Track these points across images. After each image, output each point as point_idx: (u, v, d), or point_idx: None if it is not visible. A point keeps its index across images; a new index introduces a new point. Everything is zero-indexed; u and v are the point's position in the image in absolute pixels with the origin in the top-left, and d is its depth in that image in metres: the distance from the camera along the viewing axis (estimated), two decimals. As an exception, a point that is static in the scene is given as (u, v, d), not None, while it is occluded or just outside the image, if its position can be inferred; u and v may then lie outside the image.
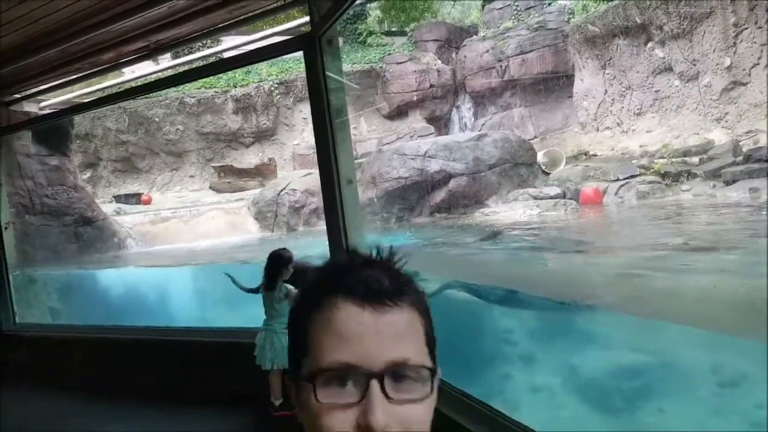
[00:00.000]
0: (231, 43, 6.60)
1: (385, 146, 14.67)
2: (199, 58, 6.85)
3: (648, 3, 13.15)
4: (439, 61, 18.93)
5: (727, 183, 9.63)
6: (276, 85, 18.53)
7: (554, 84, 16.75)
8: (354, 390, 0.61)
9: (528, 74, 16.88)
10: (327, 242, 3.68)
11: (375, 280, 0.64)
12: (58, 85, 5.21)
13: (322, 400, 0.61)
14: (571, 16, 16.26)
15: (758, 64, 11.53)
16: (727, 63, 11.93)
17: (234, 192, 16.26)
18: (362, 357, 0.61)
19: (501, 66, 17.18)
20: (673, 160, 11.28)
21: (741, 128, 11.61)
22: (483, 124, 17.47)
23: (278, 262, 3.76)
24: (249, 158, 18.67)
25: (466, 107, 18.66)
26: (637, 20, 13.57)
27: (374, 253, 0.69)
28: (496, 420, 2.46)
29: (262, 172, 17.10)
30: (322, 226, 4.05)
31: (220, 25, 4.15)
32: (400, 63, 18.64)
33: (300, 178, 13.86)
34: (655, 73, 13.63)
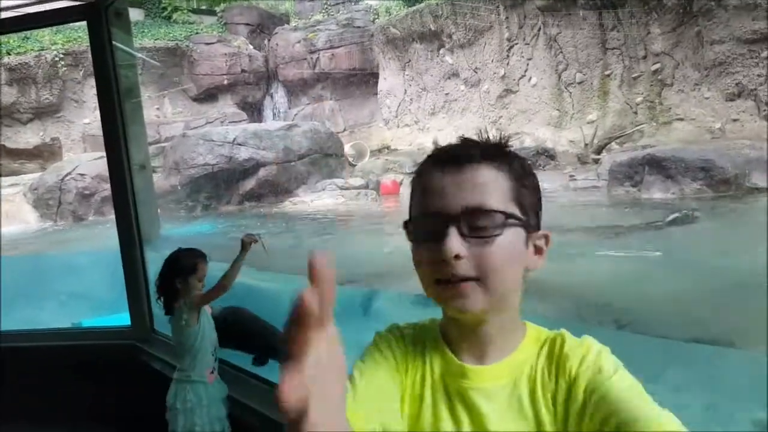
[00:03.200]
0: (3, 4, 5.77)
1: (190, 131, 14.03)
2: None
3: (440, 12, 14.62)
4: (251, 46, 18.58)
5: (498, 177, 11.32)
6: (62, 56, 16.34)
7: (362, 80, 17.67)
8: (437, 233, 0.74)
9: (338, 69, 17.52)
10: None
11: (459, 148, 0.79)
12: None
13: (415, 240, 0.79)
14: (376, 16, 17.30)
15: (524, 76, 13.65)
16: (502, 73, 13.90)
17: (7, 176, 14.02)
18: (441, 205, 0.75)
19: (312, 58, 17.54)
20: (458, 155, 12.83)
21: (511, 130, 13.63)
22: (296, 114, 17.69)
23: (171, 270, 2.45)
24: (27, 137, 16.17)
25: (279, 95, 18.67)
26: (431, 27, 15.02)
27: (482, 135, 0.83)
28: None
29: (44, 153, 14.97)
30: (116, 215, 3.63)
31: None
32: (209, 44, 17.87)
33: (90, 162, 12.53)
34: (445, 78, 15.25)
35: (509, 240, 0.75)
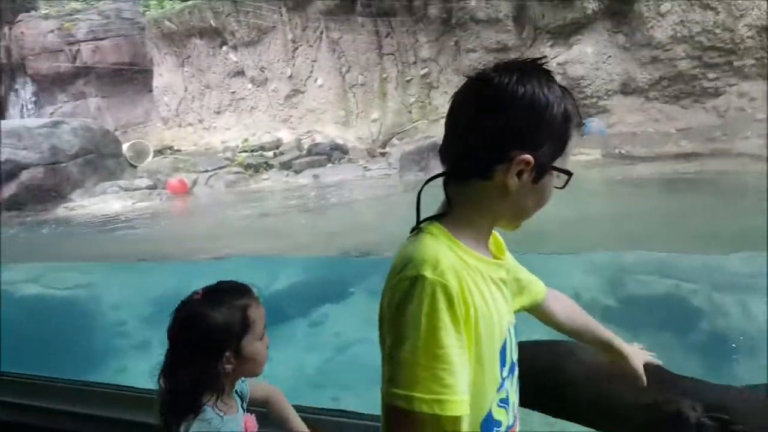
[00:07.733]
0: None
1: None
2: None
3: (221, 8, 14.27)
4: (-17, 34, 15.53)
5: (297, 172, 11.62)
6: None
7: (133, 76, 16.18)
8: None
9: (103, 63, 15.75)
10: None
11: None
12: None
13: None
14: (147, 9, 16.05)
15: (310, 76, 14.14)
16: (289, 73, 14.20)
17: None
18: None
19: (71, 50, 15.44)
20: (253, 153, 12.76)
21: (302, 129, 14.05)
22: (52, 113, 15.34)
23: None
24: None
25: (27, 91, 15.96)
26: (212, 23, 14.56)
27: None
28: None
29: None
30: None
31: None
32: None
33: None
34: (230, 75, 14.92)
35: None
